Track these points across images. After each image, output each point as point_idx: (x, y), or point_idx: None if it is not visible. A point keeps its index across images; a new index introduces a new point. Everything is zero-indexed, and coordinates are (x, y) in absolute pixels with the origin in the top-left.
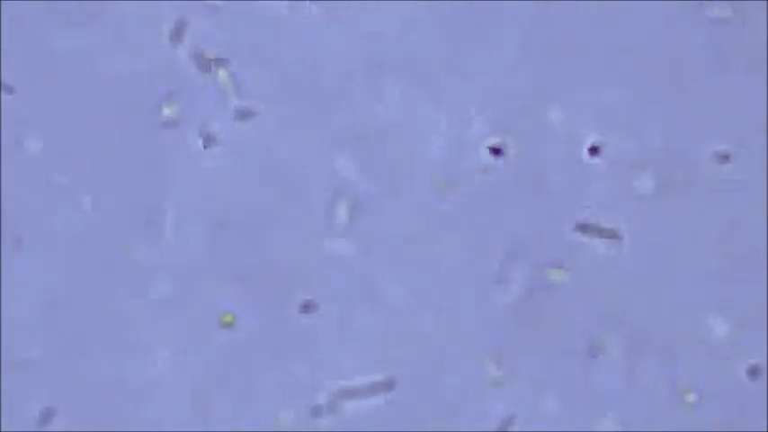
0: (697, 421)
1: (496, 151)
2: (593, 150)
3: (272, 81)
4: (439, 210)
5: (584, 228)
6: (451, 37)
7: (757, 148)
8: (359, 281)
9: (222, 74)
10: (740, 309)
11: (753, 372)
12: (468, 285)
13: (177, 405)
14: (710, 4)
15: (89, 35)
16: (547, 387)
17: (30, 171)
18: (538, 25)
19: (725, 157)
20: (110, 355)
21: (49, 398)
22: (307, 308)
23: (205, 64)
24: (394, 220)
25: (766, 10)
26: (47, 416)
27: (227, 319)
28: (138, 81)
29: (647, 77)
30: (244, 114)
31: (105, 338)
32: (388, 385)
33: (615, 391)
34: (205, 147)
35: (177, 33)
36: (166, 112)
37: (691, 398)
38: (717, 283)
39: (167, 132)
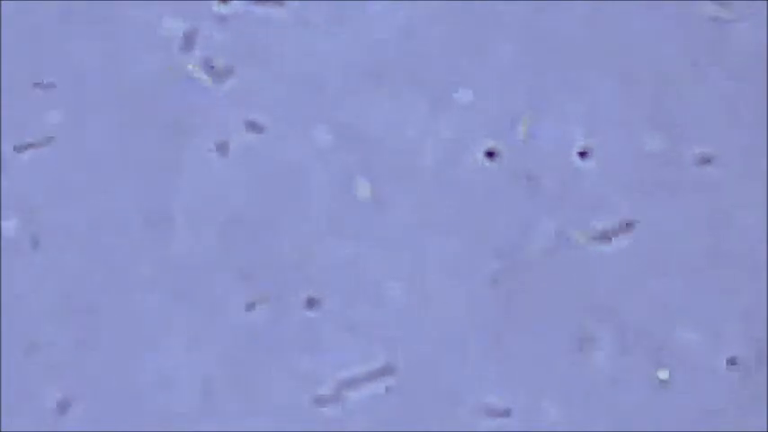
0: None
1: (491, 155)
2: (583, 154)
3: (278, 88)
4: (435, 210)
5: (574, 227)
6: (449, 46)
7: (741, 150)
8: (359, 278)
9: (230, 82)
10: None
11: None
12: (463, 281)
13: (188, 395)
14: (703, 4)
15: (104, 40)
16: (540, 377)
17: (47, 173)
18: (532, 33)
19: (707, 160)
20: (124, 348)
21: (65, 388)
22: (311, 303)
23: (215, 72)
24: (392, 220)
25: (766, 10)
26: (64, 405)
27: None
28: (152, 87)
29: (639, 80)
30: (251, 120)
31: (119, 333)
32: (387, 372)
33: (604, 382)
34: (216, 152)
35: (187, 42)
36: (176, 118)
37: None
38: (704, 280)
39: (179, 137)
